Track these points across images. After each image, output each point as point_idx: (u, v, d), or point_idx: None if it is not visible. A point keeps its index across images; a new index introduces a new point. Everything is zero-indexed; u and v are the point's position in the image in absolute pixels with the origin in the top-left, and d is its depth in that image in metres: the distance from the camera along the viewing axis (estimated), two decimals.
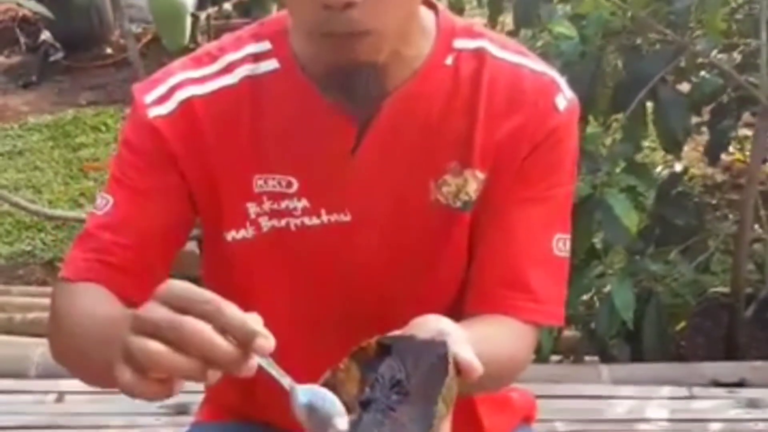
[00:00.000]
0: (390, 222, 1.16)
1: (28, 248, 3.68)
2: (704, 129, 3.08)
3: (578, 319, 2.49)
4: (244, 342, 0.79)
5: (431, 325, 0.92)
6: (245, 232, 1.16)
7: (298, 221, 1.15)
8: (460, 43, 1.15)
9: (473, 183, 1.15)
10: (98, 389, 1.98)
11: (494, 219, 1.16)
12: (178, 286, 0.82)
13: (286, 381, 0.84)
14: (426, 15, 1.14)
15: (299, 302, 1.20)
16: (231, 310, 0.80)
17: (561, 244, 1.18)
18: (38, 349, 2.23)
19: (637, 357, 2.40)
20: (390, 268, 1.18)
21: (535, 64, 1.16)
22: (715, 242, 2.70)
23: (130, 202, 1.15)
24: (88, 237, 1.16)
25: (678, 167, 3.54)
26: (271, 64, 1.15)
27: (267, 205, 1.15)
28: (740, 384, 2.12)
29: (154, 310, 0.81)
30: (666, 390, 2.10)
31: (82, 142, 4.51)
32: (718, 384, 2.12)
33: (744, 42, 2.90)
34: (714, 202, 3.11)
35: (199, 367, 0.79)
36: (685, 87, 2.94)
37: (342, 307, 1.20)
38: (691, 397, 2.09)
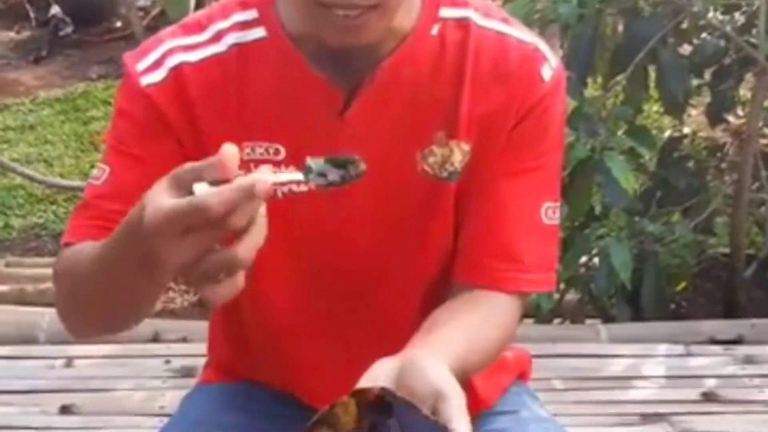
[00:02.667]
0: (377, 191, 1.17)
1: (41, 221, 3.73)
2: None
3: (579, 280, 2.51)
4: (250, 197, 0.85)
5: (430, 382, 0.91)
6: None
7: (285, 188, 1.16)
8: (445, 12, 1.15)
9: (458, 154, 1.15)
10: (106, 354, 2.05)
11: (482, 190, 1.17)
12: (160, 212, 0.85)
13: (296, 175, 0.92)
14: None
15: (292, 270, 1.21)
16: (215, 190, 0.84)
17: (550, 212, 1.18)
18: (46, 316, 2.27)
19: (637, 317, 2.43)
20: (379, 237, 1.19)
21: (519, 32, 1.17)
22: (715, 203, 2.71)
23: (129, 169, 1.16)
24: (87, 206, 1.17)
25: (686, 130, 3.56)
26: (258, 32, 1.15)
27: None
28: (737, 341, 2.14)
29: (184, 245, 0.85)
30: (663, 348, 2.13)
31: (92, 116, 4.55)
32: (715, 341, 2.14)
33: (747, 2, 2.90)
34: (716, 164, 3.11)
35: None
36: (687, 49, 2.95)
37: (334, 273, 1.21)
38: (688, 355, 2.12)
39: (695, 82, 2.92)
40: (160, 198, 0.86)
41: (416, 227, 1.20)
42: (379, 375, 0.93)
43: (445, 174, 1.16)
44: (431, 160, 1.16)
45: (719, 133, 3.79)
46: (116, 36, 5.28)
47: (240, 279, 0.87)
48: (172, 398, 1.99)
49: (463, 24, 1.15)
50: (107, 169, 1.17)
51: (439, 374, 0.92)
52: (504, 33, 1.16)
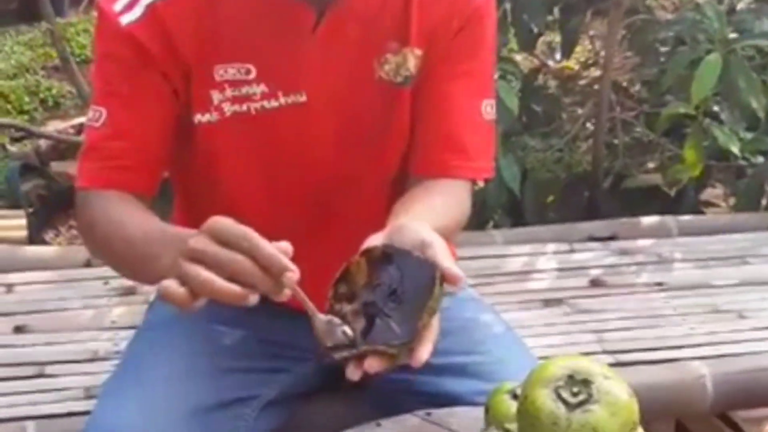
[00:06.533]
0: (341, 100, 1.32)
1: None
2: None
3: None
4: (277, 275, 0.98)
5: (415, 233, 1.08)
6: (210, 116, 1.30)
7: (257, 105, 1.29)
8: None
9: (412, 59, 1.33)
10: (46, 280, 2.14)
11: (431, 92, 1.35)
12: (223, 223, 1.00)
13: (310, 305, 1.04)
14: None
15: (263, 178, 1.35)
16: (267, 247, 0.98)
17: (488, 108, 1.39)
18: None
19: (518, 226, 2.73)
20: (343, 143, 1.34)
21: None
22: (573, 128, 3.04)
23: (124, 108, 1.27)
24: (93, 149, 1.28)
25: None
26: None
27: (228, 92, 1.29)
28: (612, 238, 2.46)
29: (207, 244, 0.99)
30: (551, 246, 2.42)
31: None
32: (593, 239, 2.46)
33: None
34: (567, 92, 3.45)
35: (244, 293, 0.98)
36: None
37: (302, 181, 1.36)
38: (573, 251, 2.41)
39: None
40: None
41: (377, 132, 1.35)
42: (373, 241, 1.11)
43: (400, 79, 1.33)
44: (387, 67, 1.33)
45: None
46: None
47: (187, 303, 0.99)
48: (120, 313, 2.10)
49: None
50: (103, 110, 1.27)
51: (422, 229, 1.10)
52: None
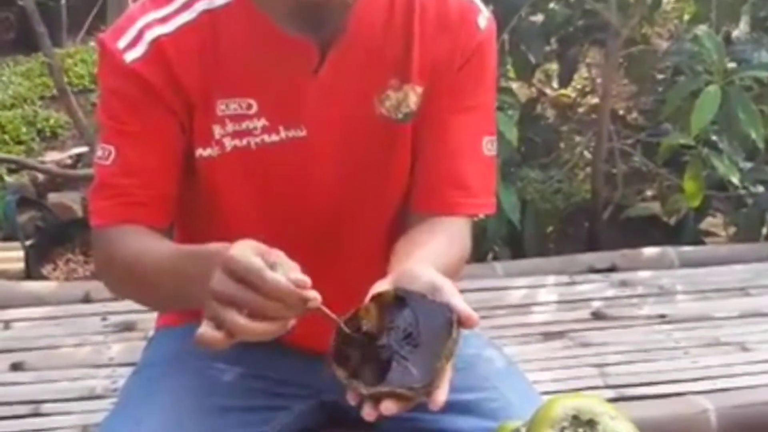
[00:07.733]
0: (341, 136, 1.31)
1: None
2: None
3: None
4: (299, 305, 1.00)
5: (425, 277, 1.07)
6: (211, 151, 1.29)
7: (258, 139, 1.28)
8: None
9: (413, 96, 1.32)
10: (43, 316, 2.12)
11: (433, 128, 1.33)
12: (238, 259, 1.00)
13: (339, 323, 1.04)
14: None
15: (263, 213, 1.34)
16: (282, 284, 0.99)
17: (489, 145, 1.38)
18: None
19: (517, 257, 2.72)
20: (342, 180, 1.33)
21: None
22: (572, 156, 3.03)
23: (132, 146, 1.26)
24: (104, 187, 1.27)
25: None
26: None
27: (229, 127, 1.28)
28: (612, 269, 2.45)
29: (227, 285, 0.99)
30: (551, 278, 2.40)
31: None
32: (594, 270, 2.44)
33: None
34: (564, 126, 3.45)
35: (278, 328, 1.00)
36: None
37: (303, 216, 1.35)
38: (573, 283, 2.40)
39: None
40: (248, 248, 1.02)
41: (377, 169, 1.34)
42: (381, 287, 1.09)
43: (400, 116, 1.32)
44: (387, 104, 1.31)
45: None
46: None
47: (225, 344, 1.00)
48: (118, 350, 2.08)
49: None
50: (112, 148, 1.26)
51: (429, 273, 1.09)
52: None
